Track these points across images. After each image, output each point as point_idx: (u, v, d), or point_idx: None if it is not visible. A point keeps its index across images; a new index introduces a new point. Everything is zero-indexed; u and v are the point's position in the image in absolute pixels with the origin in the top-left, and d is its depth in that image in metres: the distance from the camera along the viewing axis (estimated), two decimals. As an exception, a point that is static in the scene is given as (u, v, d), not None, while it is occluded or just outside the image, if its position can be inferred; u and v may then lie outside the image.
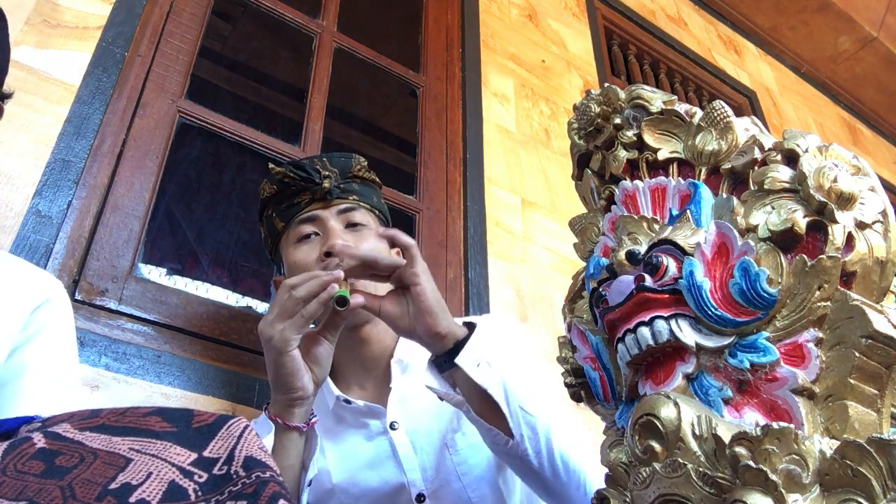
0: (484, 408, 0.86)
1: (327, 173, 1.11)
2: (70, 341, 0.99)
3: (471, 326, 0.89)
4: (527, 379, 0.92)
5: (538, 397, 0.89)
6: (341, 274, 0.86)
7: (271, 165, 1.15)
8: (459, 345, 0.85)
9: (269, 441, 0.91)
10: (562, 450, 0.87)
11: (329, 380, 1.08)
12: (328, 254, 1.04)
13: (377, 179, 1.22)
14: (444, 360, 0.86)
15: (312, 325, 0.89)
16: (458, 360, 0.84)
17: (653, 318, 0.61)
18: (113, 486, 0.45)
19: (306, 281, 0.86)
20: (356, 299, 0.87)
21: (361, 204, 1.14)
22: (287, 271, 1.12)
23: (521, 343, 1.17)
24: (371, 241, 1.09)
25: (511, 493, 1.05)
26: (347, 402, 1.06)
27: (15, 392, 0.88)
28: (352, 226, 1.11)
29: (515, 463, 0.89)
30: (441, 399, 0.90)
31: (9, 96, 1.03)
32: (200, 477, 0.47)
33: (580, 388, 0.74)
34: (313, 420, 0.90)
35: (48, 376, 0.92)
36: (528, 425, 0.85)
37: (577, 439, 0.91)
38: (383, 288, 0.92)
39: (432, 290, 0.87)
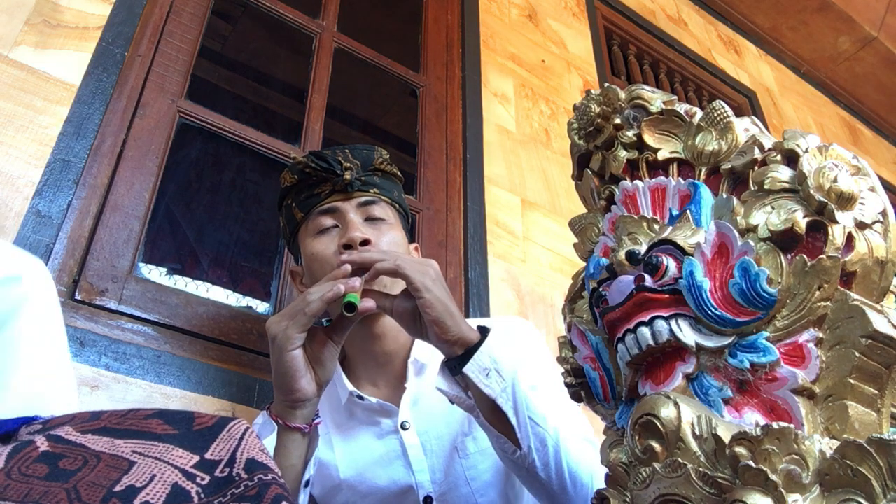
0: (493, 415, 0.85)
1: (349, 165, 1.10)
2: (50, 322, 0.93)
3: (484, 331, 0.87)
4: (542, 385, 0.90)
5: (552, 406, 0.88)
6: (357, 284, 0.85)
7: (293, 155, 1.14)
8: (471, 351, 0.84)
9: (271, 442, 0.90)
10: (570, 463, 0.86)
11: (343, 374, 1.08)
12: (346, 246, 1.03)
13: (399, 173, 1.20)
14: (455, 364, 0.85)
15: (324, 323, 0.88)
16: (466, 368, 0.83)
17: (653, 318, 0.61)
18: (118, 488, 0.45)
19: (322, 286, 0.86)
20: (366, 303, 0.85)
21: (382, 197, 1.13)
22: (304, 262, 1.12)
23: (539, 347, 1.15)
24: (390, 235, 1.09)
25: (519, 501, 1.04)
26: (360, 398, 1.06)
27: None
28: (371, 219, 1.10)
29: (522, 473, 0.88)
30: (451, 402, 0.89)
31: None
32: (203, 479, 0.47)
33: (580, 388, 0.74)
34: (316, 421, 0.90)
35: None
36: (537, 437, 0.84)
37: (590, 453, 0.90)
38: (400, 285, 0.90)
39: (438, 299, 0.85)
